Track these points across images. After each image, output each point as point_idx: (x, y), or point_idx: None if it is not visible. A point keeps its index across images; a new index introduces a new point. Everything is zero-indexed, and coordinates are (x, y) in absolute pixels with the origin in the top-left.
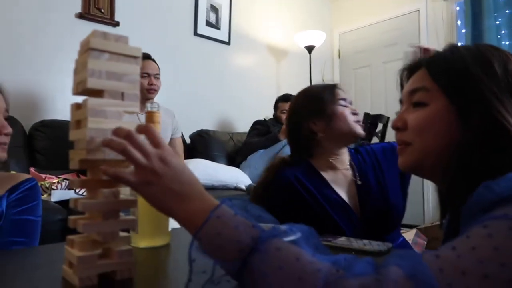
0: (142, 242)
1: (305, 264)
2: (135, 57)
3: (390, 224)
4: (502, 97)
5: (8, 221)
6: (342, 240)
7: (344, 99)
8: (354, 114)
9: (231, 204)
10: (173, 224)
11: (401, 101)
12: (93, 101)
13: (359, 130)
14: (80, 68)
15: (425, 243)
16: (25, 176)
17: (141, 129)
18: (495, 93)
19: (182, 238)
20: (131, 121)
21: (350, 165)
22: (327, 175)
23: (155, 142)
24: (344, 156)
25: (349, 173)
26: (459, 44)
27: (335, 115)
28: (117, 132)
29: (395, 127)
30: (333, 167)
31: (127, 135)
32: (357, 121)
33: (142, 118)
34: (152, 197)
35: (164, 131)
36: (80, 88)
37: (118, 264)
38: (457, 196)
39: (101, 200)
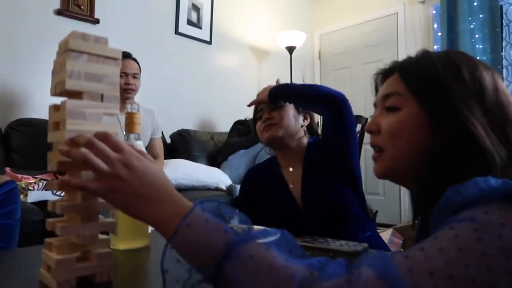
0: (121, 244)
1: (279, 270)
2: (114, 59)
3: (334, 221)
4: (470, 104)
5: None
6: (320, 241)
7: None
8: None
9: (203, 207)
10: None
11: (375, 105)
12: (72, 103)
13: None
14: (59, 69)
15: (401, 242)
16: (3, 178)
17: (100, 136)
18: (464, 99)
19: (162, 240)
20: (111, 123)
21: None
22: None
23: (116, 147)
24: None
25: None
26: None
27: None
28: (76, 140)
29: (369, 131)
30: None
31: (87, 143)
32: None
33: (122, 119)
34: (120, 203)
35: (144, 131)
36: (59, 89)
37: (97, 267)
38: (427, 200)
39: (80, 202)
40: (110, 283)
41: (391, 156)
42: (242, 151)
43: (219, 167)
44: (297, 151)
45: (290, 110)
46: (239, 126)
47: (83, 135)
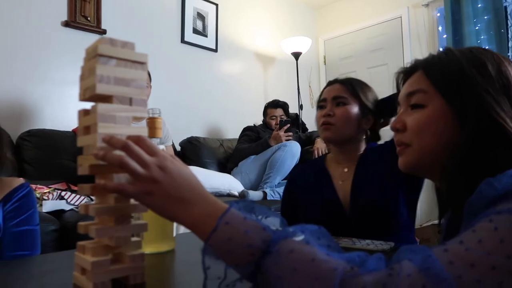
0: (147, 247)
1: (320, 264)
2: (141, 63)
3: (378, 226)
4: (498, 97)
5: (7, 234)
6: (345, 241)
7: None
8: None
9: (238, 207)
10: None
11: (398, 103)
12: (103, 107)
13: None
14: (87, 74)
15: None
16: (18, 181)
17: (134, 139)
18: (491, 93)
19: (187, 244)
20: (140, 126)
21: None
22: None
23: (150, 150)
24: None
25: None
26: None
27: None
28: (112, 142)
29: (394, 129)
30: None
31: (124, 146)
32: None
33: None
34: (156, 206)
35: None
36: (88, 94)
37: (131, 268)
38: (457, 195)
39: (113, 204)
40: (144, 284)
41: (417, 150)
42: (253, 157)
43: (229, 174)
44: (354, 152)
45: (354, 109)
46: (249, 132)
47: (115, 137)
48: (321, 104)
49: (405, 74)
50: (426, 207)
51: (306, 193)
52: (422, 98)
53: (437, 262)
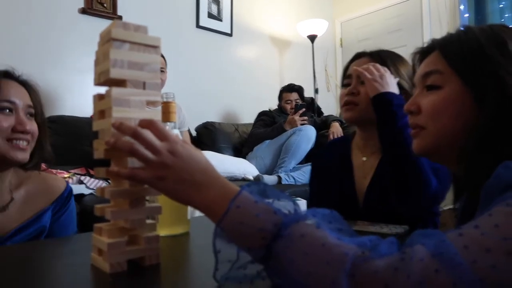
0: (162, 230)
1: (331, 248)
2: (154, 47)
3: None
4: None
5: (51, 232)
6: (359, 224)
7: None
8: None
9: (250, 190)
10: (192, 213)
11: (413, 84)
12: (117, 91)
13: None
14: (102, 58)
15: None
16: (62, 182)
17: (145, 123)
18: (511, 73)
19: (202, 227)
20: (154, 109)
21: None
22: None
23: (162, 135)
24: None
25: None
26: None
27: None
28: (122, 128)
29: (408, 111)
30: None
31: (133, 133)
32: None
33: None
34: (168, 190)
35: None
36: (102, 79)
37: (146, 250)
38: (475, 178)
39: (127, 187)
40: (158, 265)
41: (433, 133)
42: (268, 141)
43: (244, 158)
44: (378, 140)
45: None
46: (264, 117)
47: (125, 123)
48: (346, 81)
49: (422, 54)
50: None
51: (327, 176)
52: (438, 79)
53: (451, 246)
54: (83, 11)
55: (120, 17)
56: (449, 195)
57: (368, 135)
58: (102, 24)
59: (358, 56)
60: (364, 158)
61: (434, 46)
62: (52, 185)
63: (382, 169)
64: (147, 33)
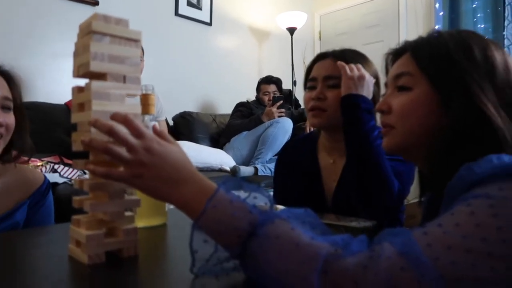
0: (139, 221)
1: (305, 247)
2: (135, 40)
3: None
4: (482, 83)
5: (28, 225)
6: (330, 217)
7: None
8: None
9: (226, 187)
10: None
11: (386, 85)
12: (97, 84)
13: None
14: (81, 51)
15: None
16: (40, 176)
17: (120, 119)
18: (475, 78)
19: (179, 218)
20: (133, 103)
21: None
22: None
23: (137, 133)
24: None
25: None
26: (436, 27)
27: None
28: (97, 126)
29: (379, 110)
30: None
31: (109, 130)
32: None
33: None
34: (145, 188)
35: None
36: (82, 71)
37: (124, 242)
38: (439, 178)
39: (107, 180)
40: (137, 257)
41: (401, 133)
42: (245, 132)
43: (222, 149)
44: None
45: None
46: (242, 108)
47: (100, 120)
48: (310, 84)
49: (394, 55)
50: (414, 184)
51: (294, 172)
52: (409, 81)
53: (416, 245)
54: None
55: (96, 2)
56: (416, 189)
57: (335, 138)
58: (78, 8)
59: (322, 56)
60: (331, 161)
61: (406, 48)
62: (30, 178)
63: (349, 172)
64: (128, 27)
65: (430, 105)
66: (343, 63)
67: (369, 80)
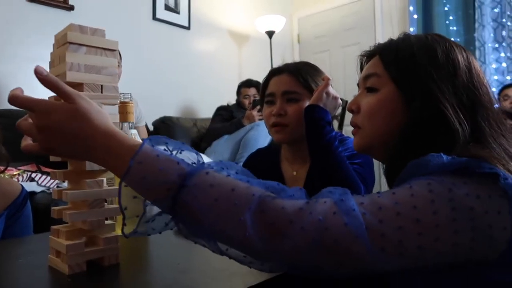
0: (119, 229)
1: (240, 191)
2: (112, 50)
3: None
4: (442, 85)
5: (5, 236)
6: None
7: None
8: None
9: (151, 143)
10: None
11: (358, 85)
12: None
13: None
14: (57, 61)
15: None
16: (16, 186)
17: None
18: (436, 81)
19: None
20: (111, 114)
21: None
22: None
23: (29, 107)
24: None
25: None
26: (410, 29)
27: None
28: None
29: (350, 110)
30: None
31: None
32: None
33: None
34: (66, 156)
35: None
36: None
37: (105, 250)
38: (394, 174)
39: (86, 190)
40: (118, 265)
41: (368, 132)
42: (226, 136)
43: (203, 153)
44: (307, 150)
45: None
46: (222, 112)
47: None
48: (268, 99)
49: (367, 57)
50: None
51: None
52: (376, 82)
53: (351, 199)
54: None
55: (71, 7)
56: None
57: (296, 149)
58: (52, 13)
59: (277, 71)
60: (295, 173)
61: (376, 51)
62: (6, 190)
63: (311, 180)
64: (104, 36)
65: (395, 106)
66: (328, 76)
67: (339, 103)
